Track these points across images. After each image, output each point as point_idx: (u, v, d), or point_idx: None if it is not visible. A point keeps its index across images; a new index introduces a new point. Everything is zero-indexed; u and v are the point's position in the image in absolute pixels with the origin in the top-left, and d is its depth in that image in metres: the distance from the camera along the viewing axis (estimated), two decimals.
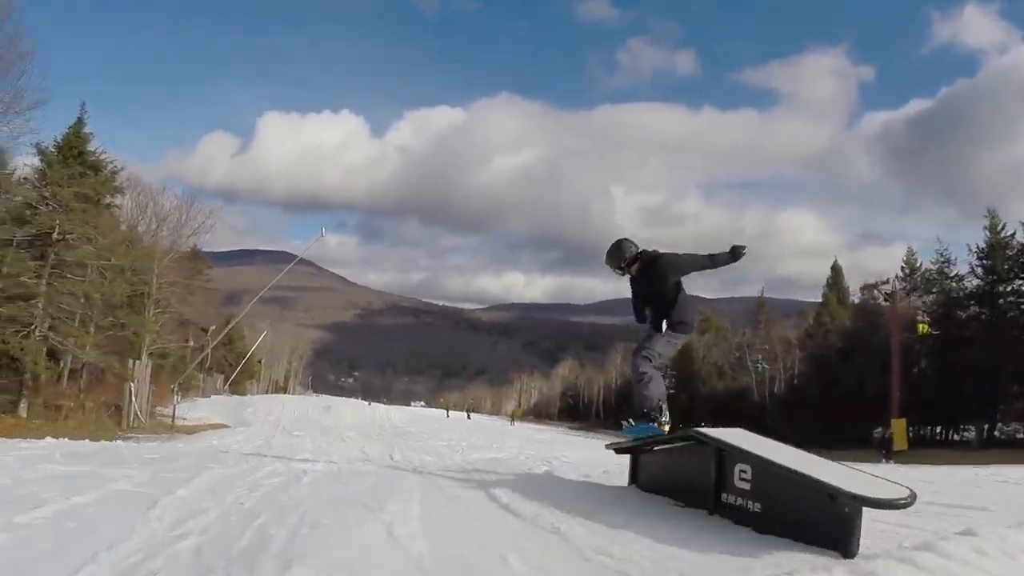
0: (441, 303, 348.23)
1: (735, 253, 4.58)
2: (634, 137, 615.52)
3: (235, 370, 47.26)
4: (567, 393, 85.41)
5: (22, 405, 14.96)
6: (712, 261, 4.64)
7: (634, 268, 4.79)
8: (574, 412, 77.28)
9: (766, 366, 41.87)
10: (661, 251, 4.78)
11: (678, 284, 4.66)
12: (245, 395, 46.17)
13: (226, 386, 45.03)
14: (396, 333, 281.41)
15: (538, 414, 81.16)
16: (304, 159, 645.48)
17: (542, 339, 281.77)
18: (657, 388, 4.58)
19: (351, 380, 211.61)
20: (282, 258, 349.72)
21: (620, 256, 4.78)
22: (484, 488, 4.57)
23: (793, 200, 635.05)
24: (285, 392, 70.26)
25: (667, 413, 4.62)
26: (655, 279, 4.66)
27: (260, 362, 61.62)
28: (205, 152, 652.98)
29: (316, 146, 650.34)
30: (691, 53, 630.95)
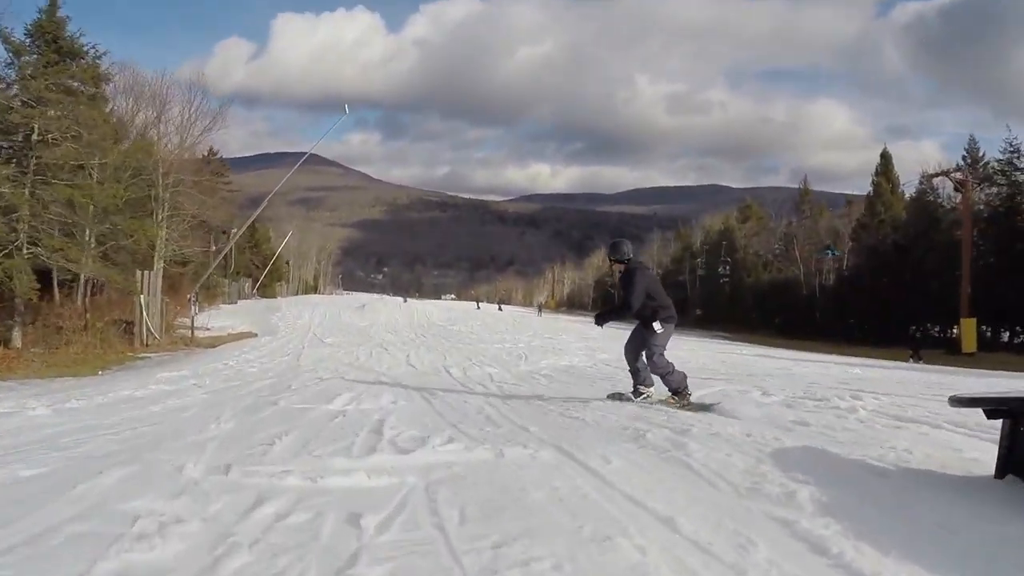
0: (466, 196, 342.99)
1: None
2: (660, 23, 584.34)
3: (263, 272, 47.01)
4: (602, 282, 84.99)
5: (16, 333, 13.64)
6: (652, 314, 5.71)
7: (617, 268, 5.95)
8: (608, 302, 76.68)
9: (838, 252, 39.16)
10: (644, 269, 6.07)
11: (645, 292, 5.66)
12: (275, 298, 45.31)
13: (255, 290, 43.71)
14: (423, 227, 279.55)
15: (571, 304, 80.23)
16: (321, 58, 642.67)
17: (570, 229, 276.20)
18: (678, 375, 5.56)
19: (380, 276, 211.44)
20: (307, 159, 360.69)
21: (614, 254, 5.96)
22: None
23: (822, 90, 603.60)
24: (316, 292, 68.59)
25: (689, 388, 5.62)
26: (625, 285, 5.77)
27: (288, 263, 60.43)
28: (221, 59, 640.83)
29: (332, 44, 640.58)
30: None
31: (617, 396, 5.81)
